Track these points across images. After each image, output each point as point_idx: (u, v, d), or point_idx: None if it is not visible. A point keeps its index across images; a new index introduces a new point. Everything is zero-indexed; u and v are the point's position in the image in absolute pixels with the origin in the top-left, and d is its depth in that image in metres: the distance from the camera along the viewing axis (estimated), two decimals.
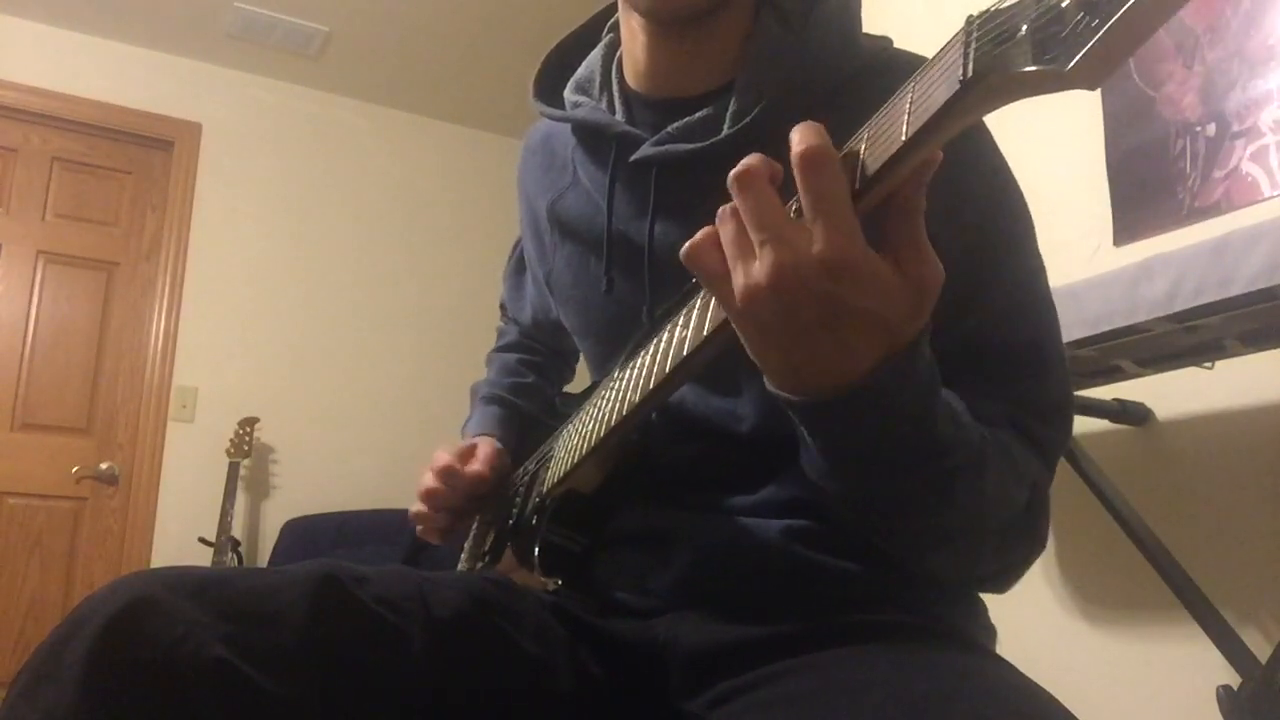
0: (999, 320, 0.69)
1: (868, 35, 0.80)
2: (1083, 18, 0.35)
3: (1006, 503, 0.63)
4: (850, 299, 0.49)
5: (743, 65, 0.77)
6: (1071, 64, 0.35)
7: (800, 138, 0.48)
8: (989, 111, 0.42)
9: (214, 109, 3.63)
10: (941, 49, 0.44)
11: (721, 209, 0.52)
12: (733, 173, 0.51)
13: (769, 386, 0.56)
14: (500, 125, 3.94)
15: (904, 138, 0.45)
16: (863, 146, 0.49)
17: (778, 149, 0.74)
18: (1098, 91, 1.81)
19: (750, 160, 0.51)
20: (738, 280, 0.51)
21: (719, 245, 0.52)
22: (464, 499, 0.93)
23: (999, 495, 0.62)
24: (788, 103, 0.74)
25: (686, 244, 0.54)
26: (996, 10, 0.40)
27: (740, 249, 0.51)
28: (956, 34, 0.42)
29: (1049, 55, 0.36)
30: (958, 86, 0.41)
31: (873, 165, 0.47)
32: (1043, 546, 0.68)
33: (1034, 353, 0.69)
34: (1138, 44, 0.35)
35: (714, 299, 0.55)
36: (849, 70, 0.76)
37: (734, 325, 0.53)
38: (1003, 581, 0.69)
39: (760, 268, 0.49)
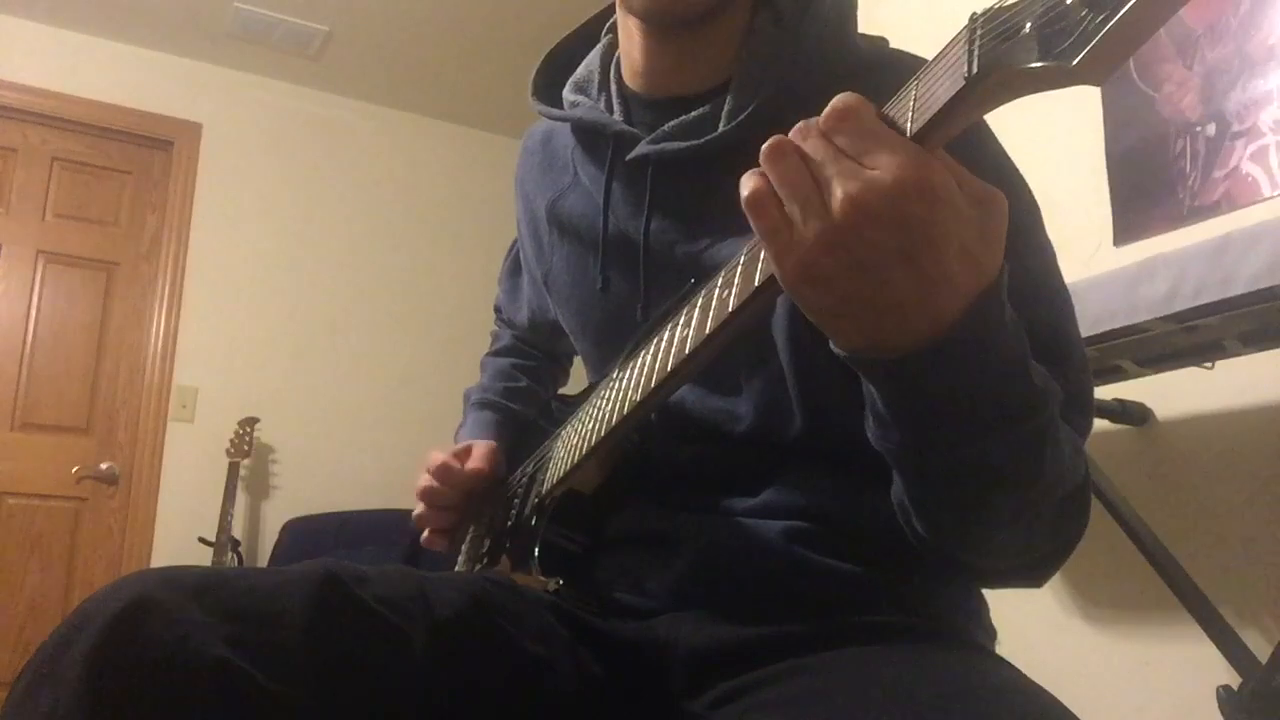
0: (1017, 304, 0.68)
1: (864, 35, 0.80)
2: (1087, 14, 0.35)
3: (1074, 470, 0.59)
4: (934, 220, 0.45)
5: (738, 64, 0.77)
6: (1077, 60, 0.36)
7: (837, 99, 0.47)
8: (994, 108, 0.43)
9: (214, 109, 3.63)
10: (945, 46, 0.44)
11: (773, 147, 0.48)
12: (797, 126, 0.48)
13: (843, 353, 0.52)
14: (500, 125, 3.94)
15: (908, 134, 0.45)
16: None
17: None
18: (1098, 91, 1.81)
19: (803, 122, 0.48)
20: (809, 226, 0.47)
21: (776, 196, 0.48)
22: (463, 496, 0.93)
23: (1073, 459, 0.58)
24: (783, 101, 0.75)
25: (748, 190, 0.49)
26: (1000, 7, 0.41)
27: (807, 189, 0.47)
28: (960, 31, 0.42)
29: (1054, 51, 0.37)
30: (962, 83, 0.41)
31: None
32: (1086, 526, 0.64)
33: (1054, 336, 0.67)
34: (1143, 39, 0.35)
35: (773, 256, 0.49)
36: (844, 69, 0.76)
37: (800, 285, 0.49)
38: (1050, 565, 0.65)
39: (837, 202, 0.46)
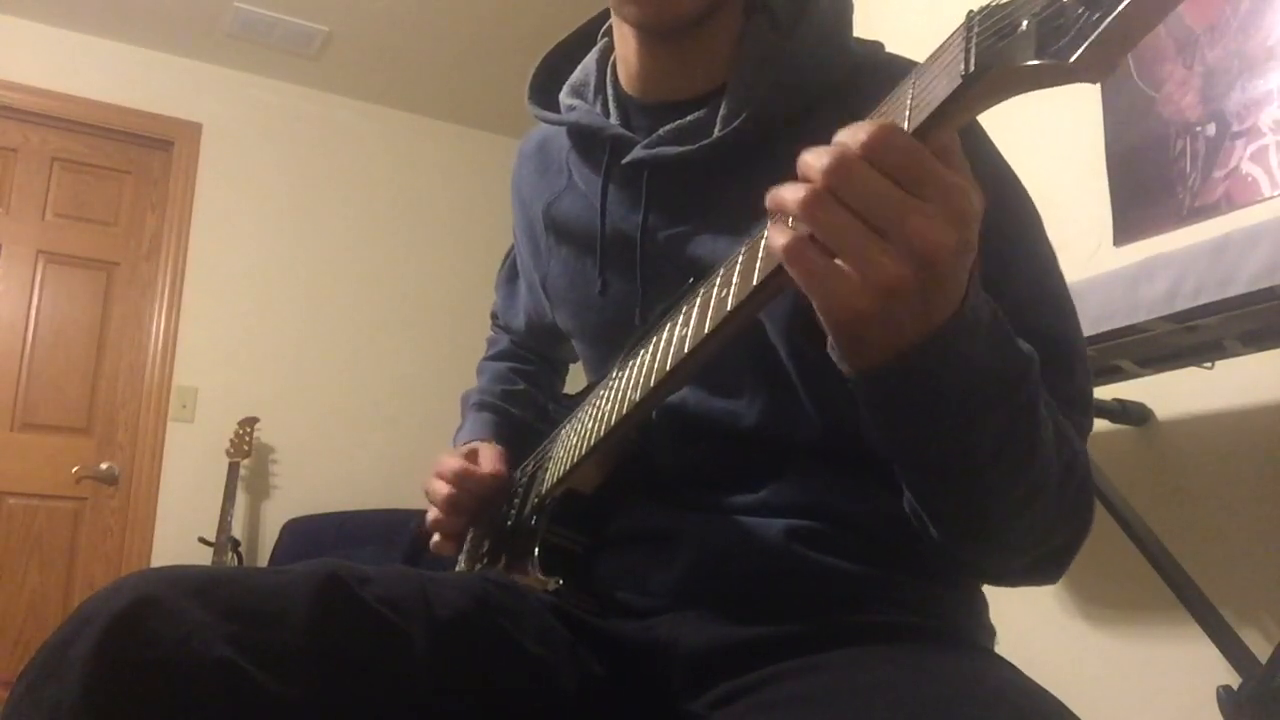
0: (1021, 312, 0.67)
1: (859, 39, 0.80)
2: (1084, 11, 0.35)
3: (1071, 450, 0.61)
4: (973, 243, 0.46)
5: (733, 68, 0.77)
6: (1074, 57, 0.36)
7: (878, 124, 0.44)
8: (991, 105, 0.42)
9: (214, 109, 3.63)
10: (942, 44, 0.44)
11: (812, 200, 0.45)
12: (836, 156, 0.45)
13: (849, 370, 0.52)
14: (500, 125, 3.94)
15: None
16: None
17: (767, 152, 0.74)
18: (1098, 91, 1.81)
19: (862, 136, 0.45)
20: (868, 274, 0.45)
21: (814, 240, 0.47)
22: (478, 500, 0.93)
23: (1062, 441, 0.60)
24: (778, 106, 0.75)
25: (785, 244, 0.47)
26: (997, 5, 0.40)
27: (862, 240, 0.45)
28: (957, 29, 0.42)
29: (1051, 49, 0.37)
30: (959, 81, 0.41)
31: None
32: (1093, 516, 0.65)
33: (1057, 343, 0.67)
34: (1140, 36, 0.35)
35: (817, 302, 0.48)
36: (839, 74, 0.76)
37: (850, 326, 0.49)
38: (1066, 556, 0.65)
39: (907, 250, 0.44)
